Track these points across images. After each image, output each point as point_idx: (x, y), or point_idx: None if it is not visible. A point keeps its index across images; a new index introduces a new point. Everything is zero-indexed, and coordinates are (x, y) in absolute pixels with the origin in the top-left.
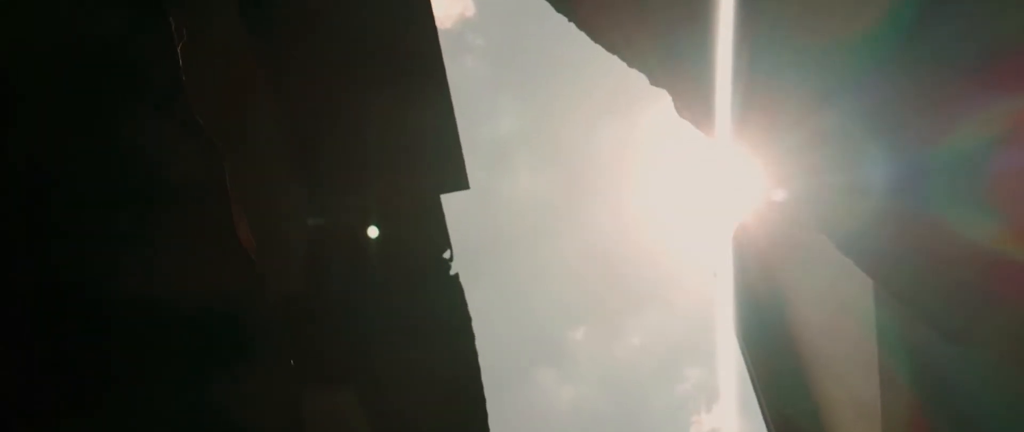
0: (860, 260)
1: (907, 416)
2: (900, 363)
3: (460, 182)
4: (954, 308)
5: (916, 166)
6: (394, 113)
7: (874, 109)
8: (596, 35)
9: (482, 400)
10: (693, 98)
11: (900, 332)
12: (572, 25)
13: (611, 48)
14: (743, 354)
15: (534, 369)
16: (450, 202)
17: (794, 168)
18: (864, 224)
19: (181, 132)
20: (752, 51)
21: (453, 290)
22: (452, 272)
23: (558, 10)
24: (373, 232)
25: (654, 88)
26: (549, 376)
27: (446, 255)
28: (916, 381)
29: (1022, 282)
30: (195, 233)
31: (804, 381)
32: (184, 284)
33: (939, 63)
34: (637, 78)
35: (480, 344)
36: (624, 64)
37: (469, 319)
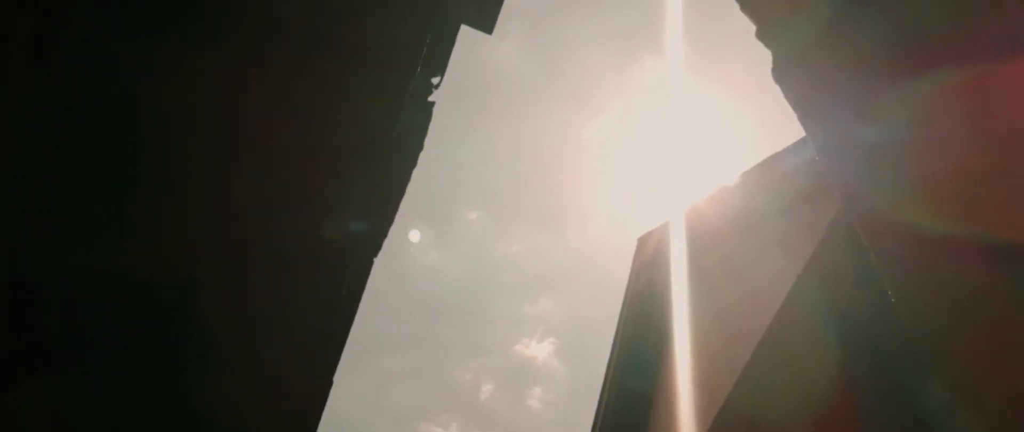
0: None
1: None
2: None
3: (487, 23)
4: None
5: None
6: None
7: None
8: None
9: (390, 220)
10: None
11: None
12: None
13: None
14: (627, 321)
15: (415, 220)
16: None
17: None
18: None
19: None
20: None
21: (423, 114)
22: (430, 97)
23: None
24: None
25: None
26: (424, 234)
27: (435, 80)
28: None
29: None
30: None
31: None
32: None
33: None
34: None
35: None
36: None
37: (420, 147)
